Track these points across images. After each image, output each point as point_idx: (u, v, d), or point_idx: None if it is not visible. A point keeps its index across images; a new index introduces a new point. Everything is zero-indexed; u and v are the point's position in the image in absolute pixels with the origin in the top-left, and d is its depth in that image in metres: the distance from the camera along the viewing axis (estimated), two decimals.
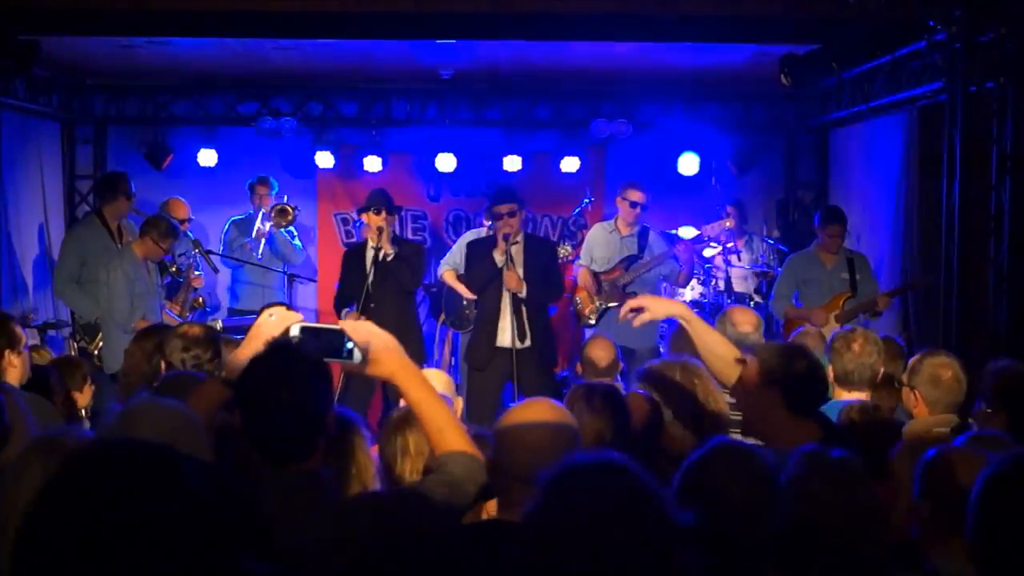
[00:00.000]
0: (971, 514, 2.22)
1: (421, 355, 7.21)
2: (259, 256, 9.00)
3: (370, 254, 7.26)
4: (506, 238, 6.91)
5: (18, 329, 4.33)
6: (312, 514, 2.47)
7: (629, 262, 8.01)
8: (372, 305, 7.10)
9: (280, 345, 2.70)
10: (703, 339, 3.70)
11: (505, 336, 6.95)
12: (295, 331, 2.78)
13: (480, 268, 7.11)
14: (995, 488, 2.22)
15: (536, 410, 2.56)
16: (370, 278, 7.17)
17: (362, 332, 2.76)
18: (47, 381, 4.61)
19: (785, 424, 3.33)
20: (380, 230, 7.16)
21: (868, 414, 4.13)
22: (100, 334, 7.55)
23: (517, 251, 7.02)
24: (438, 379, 4.08)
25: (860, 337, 4.54)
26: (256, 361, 2.63)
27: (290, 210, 9.11)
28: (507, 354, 6.89)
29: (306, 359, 2.63)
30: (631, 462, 1.98)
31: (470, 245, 7.48)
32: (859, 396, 4.47)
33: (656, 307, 3.90)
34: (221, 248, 9.11)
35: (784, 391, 3.34)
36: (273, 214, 9.07)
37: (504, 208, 6.93)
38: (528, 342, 6.92)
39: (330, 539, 2.38)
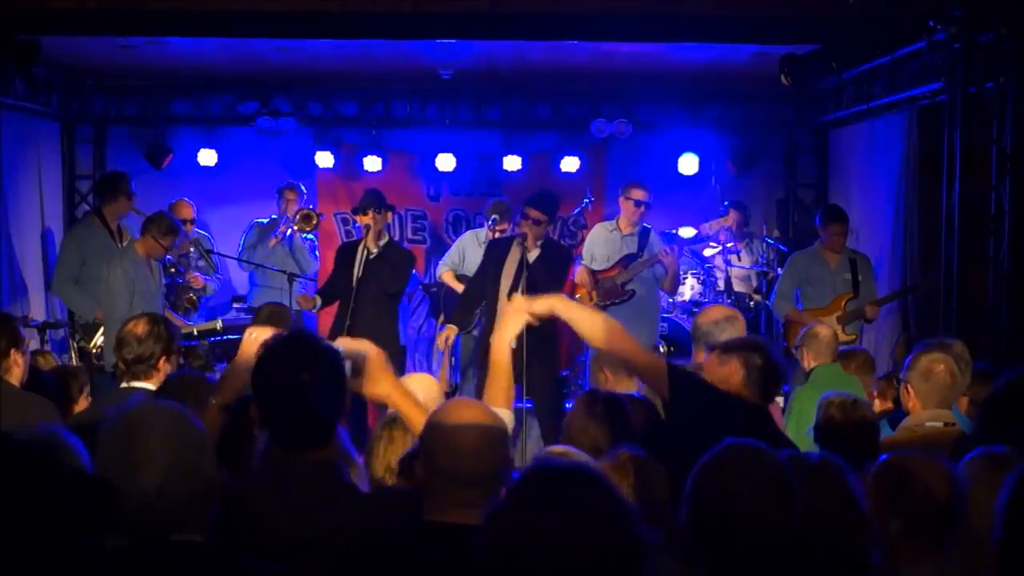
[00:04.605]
0: (999, 521, 2.12)
1: (399, 365, 7.20)
2: (270, 263, 8.97)
3: (361, 253, 7.33)
4: (522, 237, 6.97)
5: (21, 329, 4.35)
6: (338, 503, 2.49)
7: (628, 260, 8.01)
8: (355, 303, 7.18)
9: (294, 332, 2.75)
10: (577, 322, 3.56)
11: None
12: None
13: (488, 269, 7.22)
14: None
15: (468, 411, 2.50)
16: (357, 274, 7.26)
17: (358, 352, 2.86)
18: (44, 389, 4.57)
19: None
20: (367, 228, 7.26)
21: (848, 410, 4.04)
22: (99, 333, 7.55)
23: (532, 259, 7.02)
24: (428, 387, 4.02)
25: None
26: (271, 349, 2.62)
27: (314, 216, 9.13)
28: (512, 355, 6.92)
29: (320, 343, 2.65)
30: (600, 473, 2.00)
31: (491, 244, 7.58)
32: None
33: (537, 307, 3.55)
34: (239, 250, 9.09)
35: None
36: (298, 218, 9.08)
37: (533, 212, 6.98)
38: (531, 342, 6.92)
39: (358, 526, 2.41)
